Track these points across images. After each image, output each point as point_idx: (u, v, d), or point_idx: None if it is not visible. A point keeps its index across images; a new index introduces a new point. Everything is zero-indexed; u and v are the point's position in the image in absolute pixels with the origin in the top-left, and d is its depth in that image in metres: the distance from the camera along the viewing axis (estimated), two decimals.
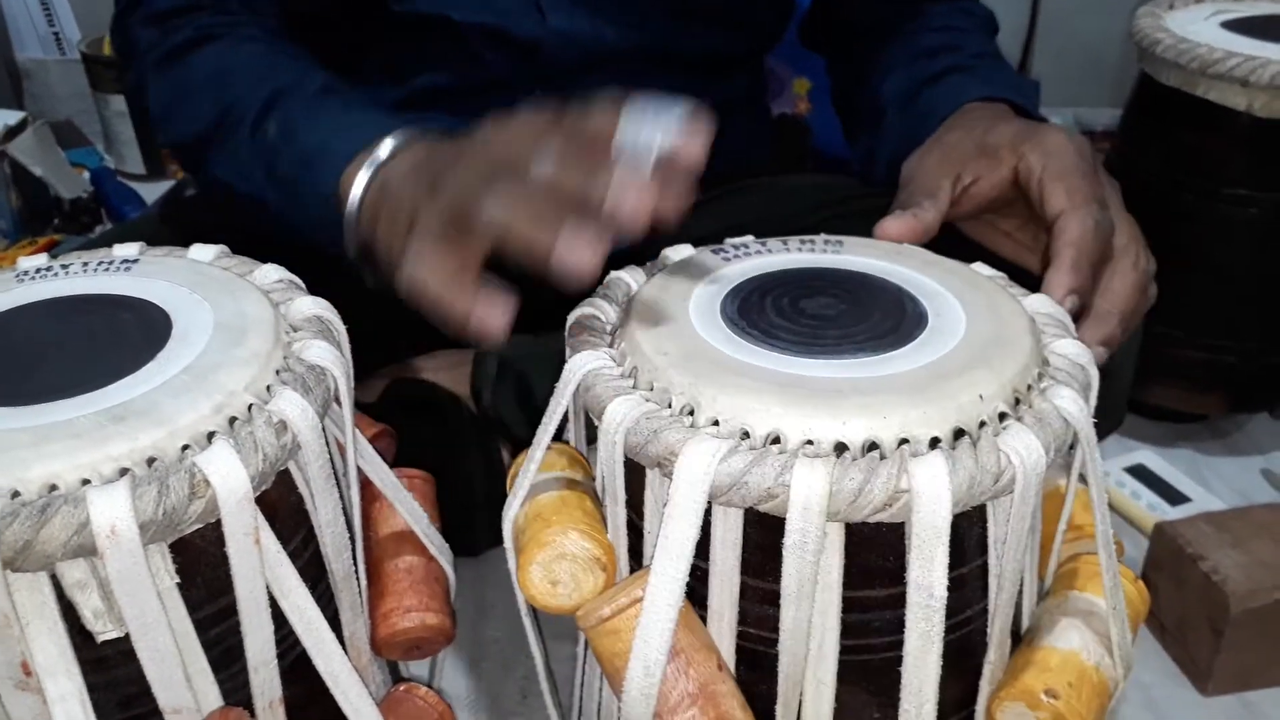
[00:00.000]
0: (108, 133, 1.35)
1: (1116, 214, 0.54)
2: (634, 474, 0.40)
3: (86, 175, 1.27)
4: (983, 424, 0.37)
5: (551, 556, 0.39)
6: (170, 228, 0.77)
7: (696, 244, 0.76)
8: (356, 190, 0.52)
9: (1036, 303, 0.45)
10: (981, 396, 0.37)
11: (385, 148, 0.53)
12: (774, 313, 0.43)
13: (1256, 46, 0.75)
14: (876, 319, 0.42)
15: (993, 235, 0.57)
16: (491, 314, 0.39)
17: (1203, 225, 0.80)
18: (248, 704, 0.40)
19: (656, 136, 0.39)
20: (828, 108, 0.82)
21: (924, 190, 0.53)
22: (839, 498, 0.35)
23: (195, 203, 0.93)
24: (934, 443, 0.36)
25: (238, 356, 0.39)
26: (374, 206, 0.52)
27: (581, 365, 0.41)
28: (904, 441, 0.36)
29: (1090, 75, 1.48)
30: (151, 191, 1.26)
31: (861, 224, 0.61)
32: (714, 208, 0.79)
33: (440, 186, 0.44)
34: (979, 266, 0.48)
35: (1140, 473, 0.83)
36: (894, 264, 0.47)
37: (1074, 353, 0.41)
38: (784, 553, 0.36)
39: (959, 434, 0.36)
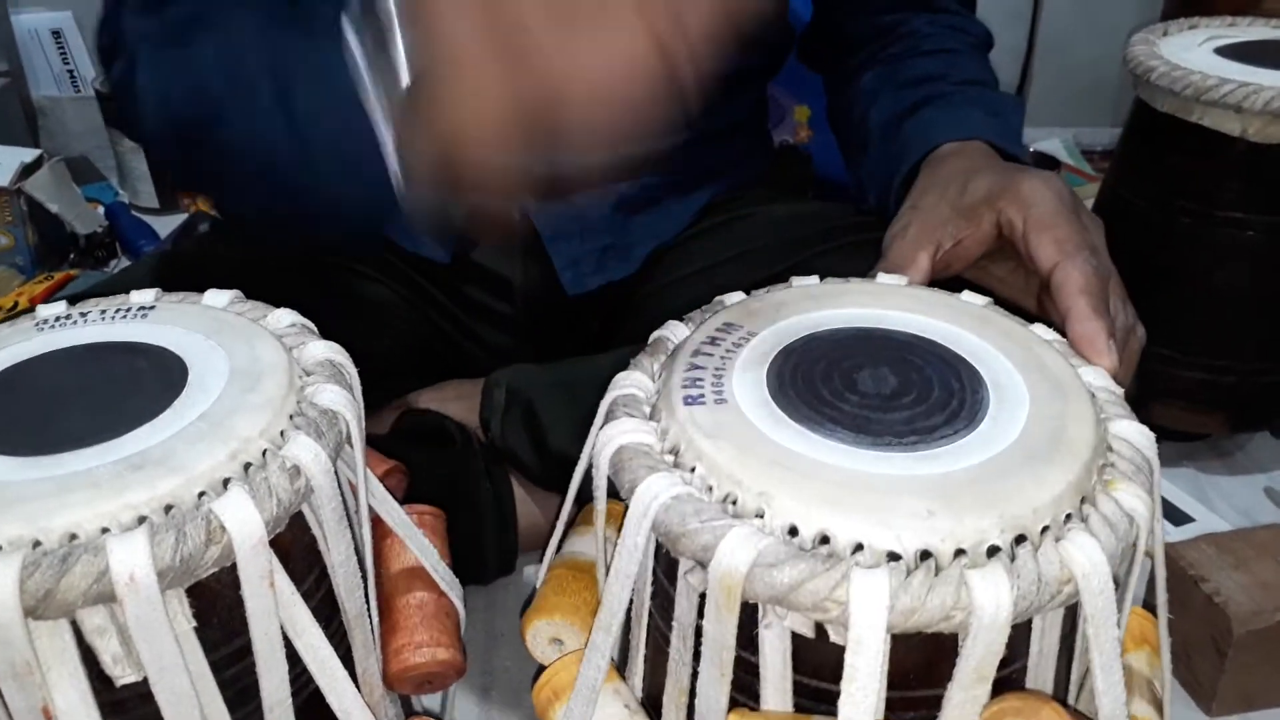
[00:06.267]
0: (122, 168, 1.37)
1: (1105, 260, 0.54)
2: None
3: (101, 210, 1.28)
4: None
5: None
6: (186, 264, 0.78)
7: (697, 273, 0.78)
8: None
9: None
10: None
11: None
12: (825, 388, 0.41)
13: (1249, 73, 0.76)
14: (935, 399, 0.40)
15: (985, 279, 0.58)
16: None
17: (1200, 248, 0.80)
18: None
19: None
20: (829, 134, 0.84)
21: (902, 265, 0.54)
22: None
23: (211, 238, 0.95)
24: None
25: (252, 403, 0.41)
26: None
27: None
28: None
29: (1090, 95, 1.49)
30: (165, 225, 1.28)
31: (857, 256, 0.62)
32: (717, 236, 0.80)
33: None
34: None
35: None
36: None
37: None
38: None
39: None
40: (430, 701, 0.61)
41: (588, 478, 0.43)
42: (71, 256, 1.20)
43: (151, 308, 0.47)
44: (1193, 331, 0.82)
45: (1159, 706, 0.44)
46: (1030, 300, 0.55)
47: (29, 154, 1.18)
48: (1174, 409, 0.85)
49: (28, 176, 1.16)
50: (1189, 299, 0.82)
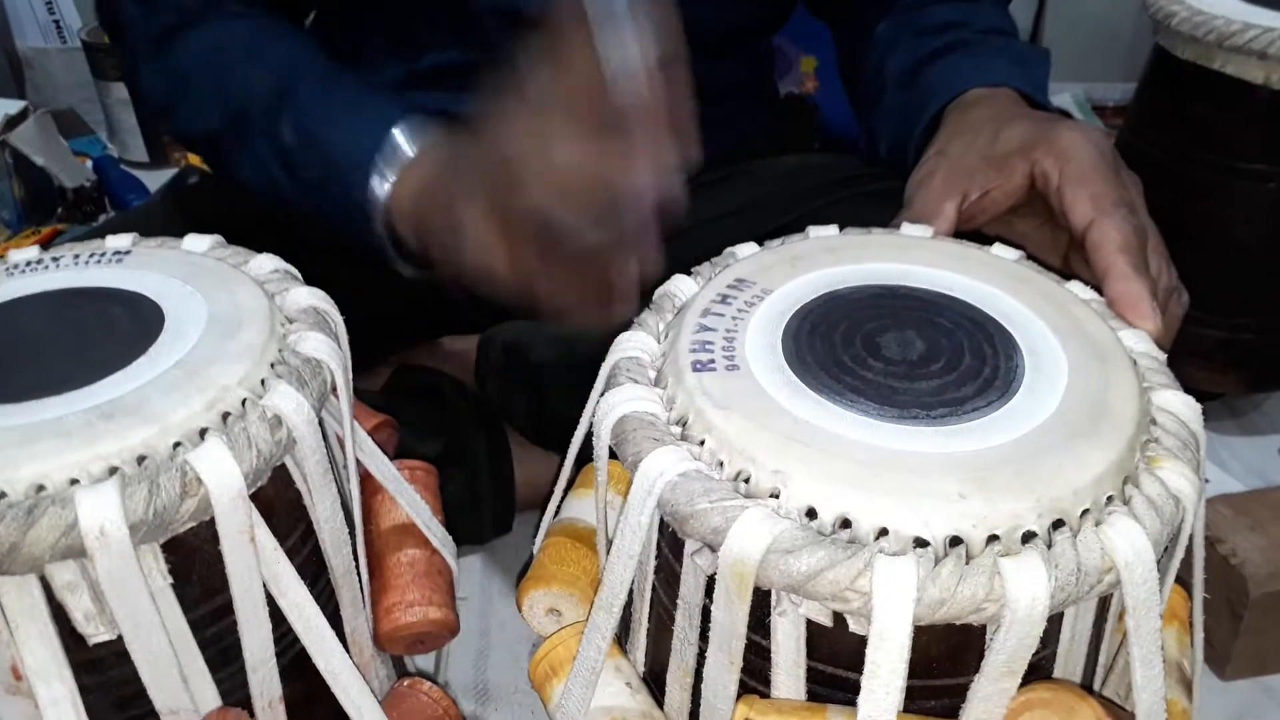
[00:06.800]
0: (110, 121, 1.34)
1: (1145, 219, 0.51)
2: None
3: (90, 164, 1.26)
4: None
5: None
6: (172, 216, 0.76)
7: (699, 226, 0.75)
8: (382, 194, 0.55)
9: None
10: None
11: (406, 148, 0.55)
12: (846, 353, 0.37)
13: (1275, 18, 0.73)
14: (966, 366, 0.37)
15: (1009, 235, 0.55)
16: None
17: (1219, 201, 0.78)
18: (247, 703, 0.39)
19: (635, 48, 0.40)
20: (836, 86, 0.81)
21: (926, 214, 0.51)
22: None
23: (198, 190, 0.92)
24: (1028, 535, 0.31)
25: (231, 350, 0.39)
26: (413, 205, 0.54)
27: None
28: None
29: (1102, 49, 1.45)
30: (155, 179, 1.25)
31: (869, 206, 0.59)
32: (716, 189, 0.78)
33: (476, 192, 0.49)
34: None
35: None
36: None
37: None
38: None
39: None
40: (424, 662, 0.59)
41: (588, 439, 0.41)
42: (59, 211, 1.18)
43: (127, 252, 0.45)
44: (1209, 288, 0.79)
45: (1188, 687, 0.42)
46: (1056, 260, 0.52)
47: (13, 105, 1.15)
48: (1189, 368, 0.82)
49: (12, 129, 1.13)
50: (1206, 254, 0.79)
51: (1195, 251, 0.79)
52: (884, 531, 0.31)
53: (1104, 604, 0.36)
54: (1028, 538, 0.31)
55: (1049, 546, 0.31)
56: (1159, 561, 0.33)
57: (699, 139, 0.80)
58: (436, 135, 0.55)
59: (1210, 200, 0.78)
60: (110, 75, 1.30)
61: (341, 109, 0.59)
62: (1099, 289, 0.44)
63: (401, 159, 0.55)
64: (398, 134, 0.56)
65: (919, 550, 0.31)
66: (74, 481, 0.33)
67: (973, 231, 0.54)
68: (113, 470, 0.34)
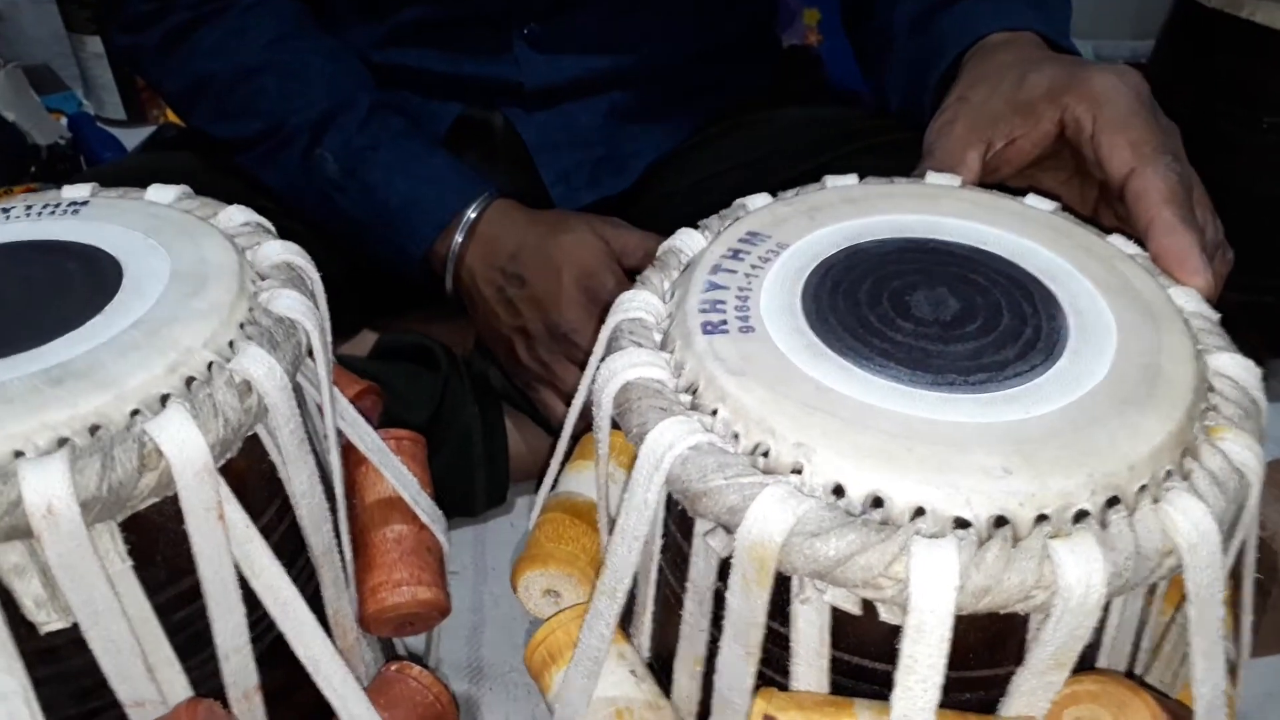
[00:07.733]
0: (86, 76, 1.29)
1: (1188, 168, 0.46)
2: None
3: (64, 121, 1.21)
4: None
5: None
6: (148, 172, 0.72)
7: (703, 181, 0.72)
8: (452, 252, 0.62)
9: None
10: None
11: (473, 210, 0.62)
12: (872, 313, 0.34)
13: None
14: (1005, 327, 0.34)
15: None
16: None
17: (1243, 156, 0.75)
18: (220, 693, 0.36)
19: None
20: (839, 38, 0.77)
21: (948, 164, 0.47)
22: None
23: (176, 145, 0.88)
24: (1080, 514, 0.29)
25: (196, 309, 0.35)
26: (470, 267, 0.62)
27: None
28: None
29: (1111, 5, 1.41)
30: (132, 138, 1.21)
31: (882, 160, 0.56)
32: (721, 143, 0.74)
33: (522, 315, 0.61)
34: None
35: None
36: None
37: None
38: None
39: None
40: (414, 640, 0.56)
41: (587, 407, 0.37)
42: (33, 170, 1.13)
43: (85, 203, 0.41)
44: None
45: (1232, 672, 0.39)
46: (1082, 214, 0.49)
47: None
48: None
49: None
50: (1226, 212, 0.76)
51: (1214, 209, 0.77)
52: (920, 511, 0.28)
53: (1153, 589, 0.34)
54: (1080, 517, 0.29)
55: (1103, 527, 0.28)
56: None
57: (701, 93, 0.77)
58: (498, 209, 0.62)
59: (1233, 155, 0.75)
60: (85, 28, 1.25)
61: (400, 160, 0.63)
62: (1141, 243, 0.41)
63: (467, 221, 0.62)
64: (472, 212, 0.62)
65: (960, 532, 0.28)
66: (18, 454, 0.30)
67: (995, 186, 0.51)
68: (62, 441, 0.31)
